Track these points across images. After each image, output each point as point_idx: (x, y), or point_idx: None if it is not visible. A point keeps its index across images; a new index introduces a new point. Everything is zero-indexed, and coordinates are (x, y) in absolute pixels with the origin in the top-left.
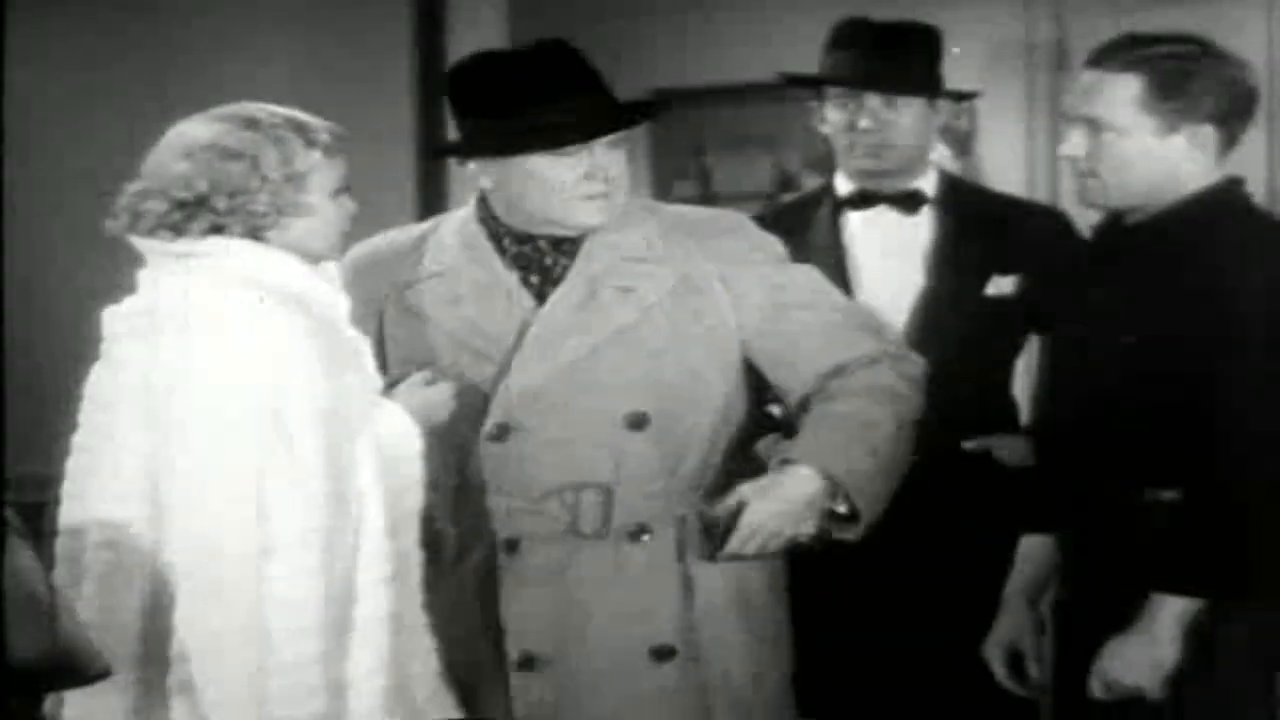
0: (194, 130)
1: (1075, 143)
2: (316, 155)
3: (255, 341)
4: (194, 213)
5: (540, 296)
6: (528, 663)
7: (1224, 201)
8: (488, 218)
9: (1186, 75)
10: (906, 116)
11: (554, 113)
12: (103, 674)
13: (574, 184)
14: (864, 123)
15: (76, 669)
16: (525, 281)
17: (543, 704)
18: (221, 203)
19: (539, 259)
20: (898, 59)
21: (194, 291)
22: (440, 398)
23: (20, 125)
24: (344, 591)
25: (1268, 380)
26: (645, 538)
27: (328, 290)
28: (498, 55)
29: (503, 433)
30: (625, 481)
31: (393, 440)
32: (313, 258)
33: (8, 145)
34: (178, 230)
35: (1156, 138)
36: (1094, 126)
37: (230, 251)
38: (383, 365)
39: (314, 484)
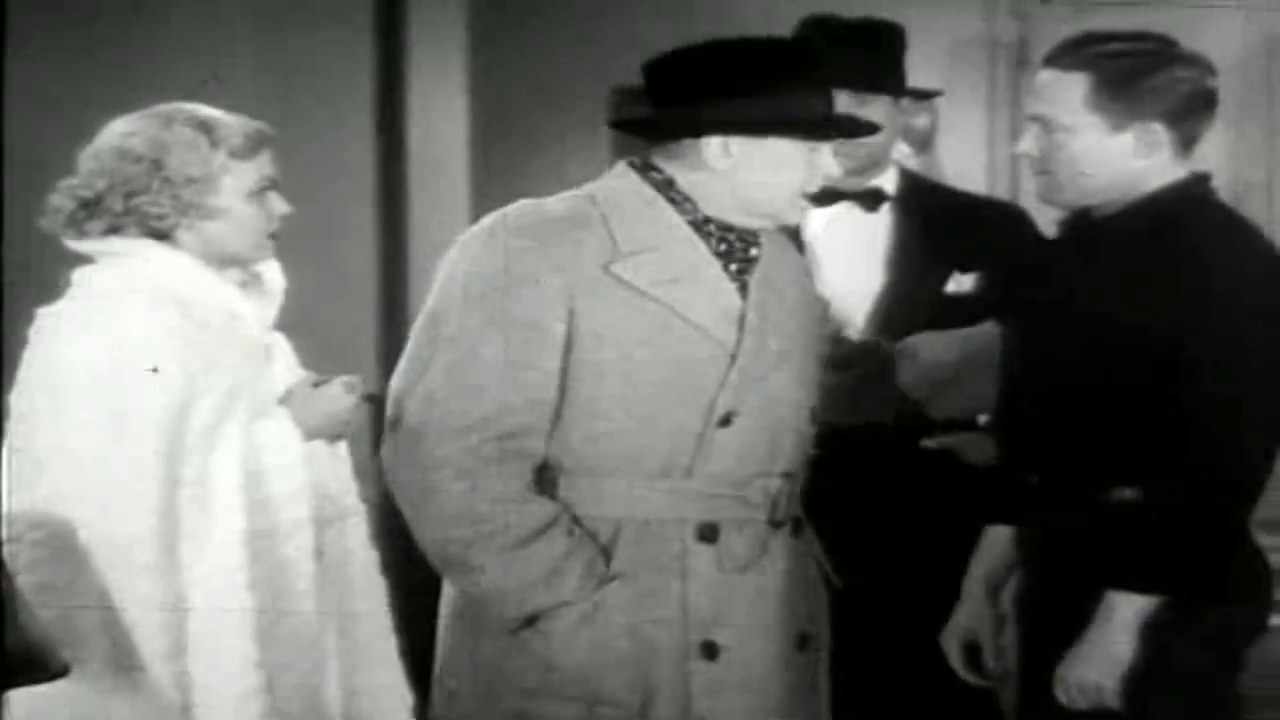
0: (112, 129)
1: (1029, 141)
2: (222, 158)
3: (111, 340)
4: (94, 211)
5: (737, 284)
6: (710, 651)
7: (1187, 197)
8: (681, 201)
9: (1135, 73)
10: (874, 113)
11: (826, 102)
12: (63, 671)
13: (805, 178)
14: None
15: (39, 666)
16: (725, 269)
17: (718, 694)
18: (118, 203)
19: (742, 249)
20: (866, 56)
21: (83, 290)
22: (330, 399)
23: None
24: (181, 592)
25: (1230, 377)
26: (806, 529)
27: (224, 293)
28: (749, 41)
29: (730, 417)
30: (798, 472)
31: (269, 448)
32: (230, 259)
33: None
34: (80, 228)
35: (1105, 135)
36: (1046, 125)
37: (123, 251)
38: (570, 338)
39: (150, 483)
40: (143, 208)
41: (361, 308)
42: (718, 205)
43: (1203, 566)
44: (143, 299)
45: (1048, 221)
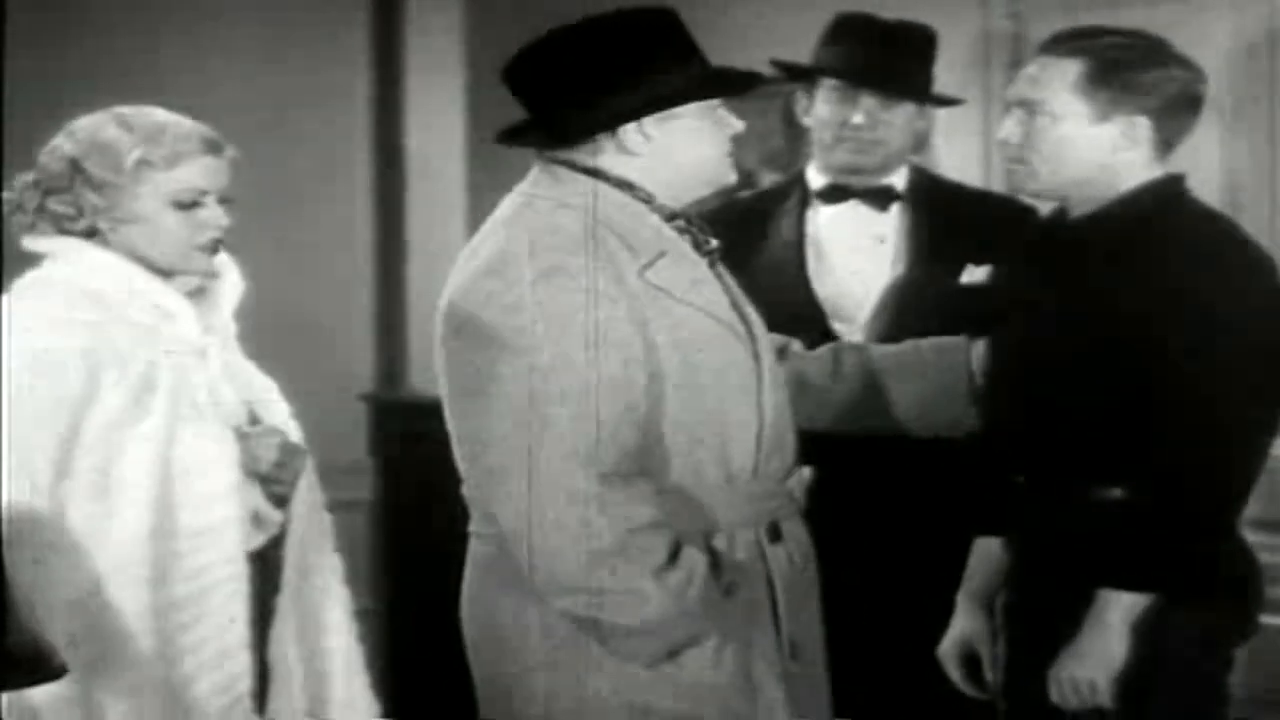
0: (68, 126)
1: (1010, 128)
2: (131, 163)
3: (16, 331)
4: (20, 209)
5: (715, 277)
6: (794, 651)
7: (1165, 197)
8: (647, 199)
9: (1126, 64)
10: (899, 116)
11: (706, 66)
12: (62, 671)
13: (725, 140)
14: (858, 118)
15: (38, 666)
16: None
17: (804, 695)
18: (35, 200)
19: (705, 240)
20: (899, 58)
21: (14, 285)
22: (259, 444)
23: None
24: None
25: (1212, 375)
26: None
27: (151, 290)
28: (612, 19)
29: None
30: None
31: (193, 449)
32: (154, 267)
33: None
34: (14, 222)
35: (1090, 125)
36: (1030, 111)
37: (52, 249)
38: (646, 352)
39: (44, 470)
40: (54, 207)
41: (359, 308)
42: (667, 192)
43: (1192, 563)
44: (53, 291)
45: None
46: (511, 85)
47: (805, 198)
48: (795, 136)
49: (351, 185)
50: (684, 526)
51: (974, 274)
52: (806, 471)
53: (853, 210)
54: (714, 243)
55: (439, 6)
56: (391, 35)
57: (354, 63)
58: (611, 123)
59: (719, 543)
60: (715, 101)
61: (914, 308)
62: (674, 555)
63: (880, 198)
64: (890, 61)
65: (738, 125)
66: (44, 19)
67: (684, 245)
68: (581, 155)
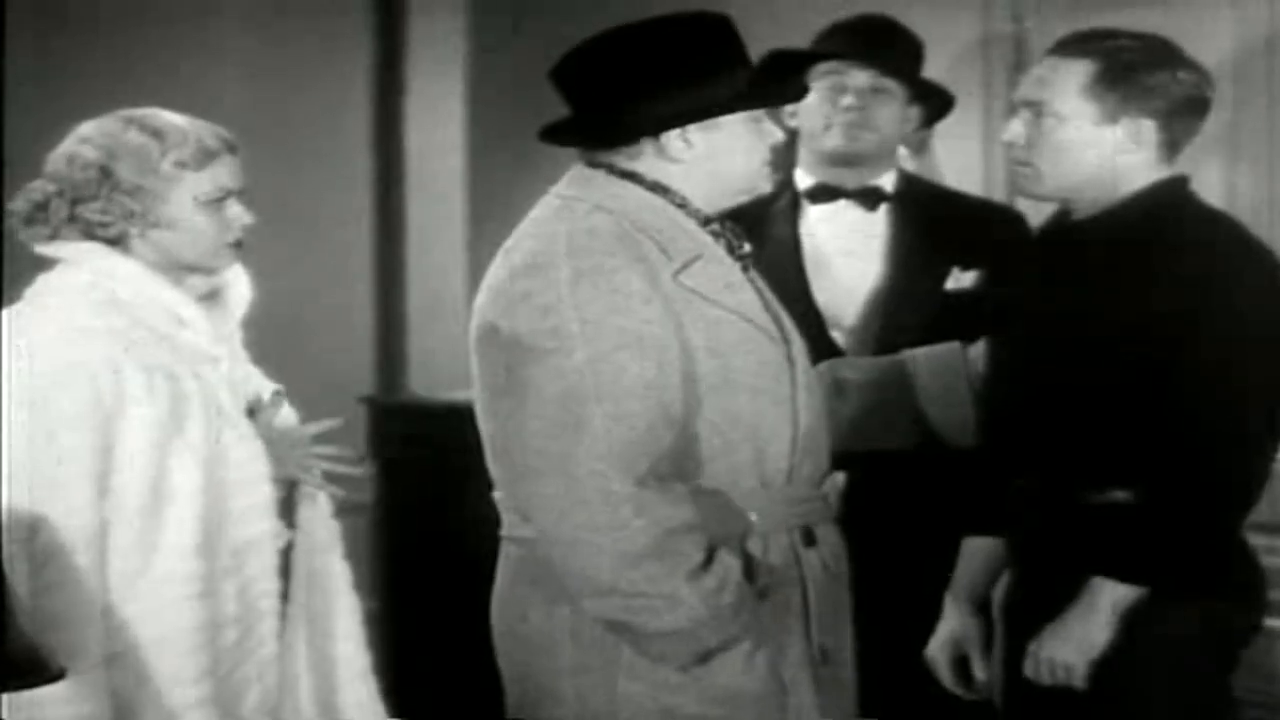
0: (75, 133)
1: (1016, 129)
2: (169, 166)
3: (41, 341)
4: (43, 215)
5: (748, 280)
6: (824, 655)
7: (1169, 198)
8: (682, 203)
9: (1135, 66)
10: (886, 106)
11: (755, 75)
12: (60, 674)
13: (765, 150)
14: (847, 100)
15: (38, 669)
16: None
17: (832, 699)
18: (63, 209)
19: (738, 245)
20: (888, 43)
21: (32, 292)
22: (278, 418)
23: None
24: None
25: (1218, 377)
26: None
27: (169, 299)
28: (666, 22)
29: (806, 418)
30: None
31: (237, 460)
32: (186, 268)
33: None
34: (31, 232)
35: (1095, 126)
36: (1036, 112)
37: (70, 256)
38: (682, 353)
39: (80, 484)
40: (87, 215)
41: (359, 311)
42: (703, 198)
43: (1190, 562)
44: (78, 301)
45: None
46: (559, 83)
47: (795, 200)
48: (782, 148)
49: (352, 187)
50: (719, 530)
51: (961, 279)
52: (840, 477)
53: (843, 211)
54: (747, 247)
55: (440, 8)
56: (392, 37)
57: (354, 65)
58: (656, 127)
59: (753, 547)
60: (759, 110)
61: (904, 314)
62: (708, 559)
63: (869, 198)
64: (879, 44)
65: (779, 135)
66: (43, 21)
67: (718, 249)
68: (620, 159)
